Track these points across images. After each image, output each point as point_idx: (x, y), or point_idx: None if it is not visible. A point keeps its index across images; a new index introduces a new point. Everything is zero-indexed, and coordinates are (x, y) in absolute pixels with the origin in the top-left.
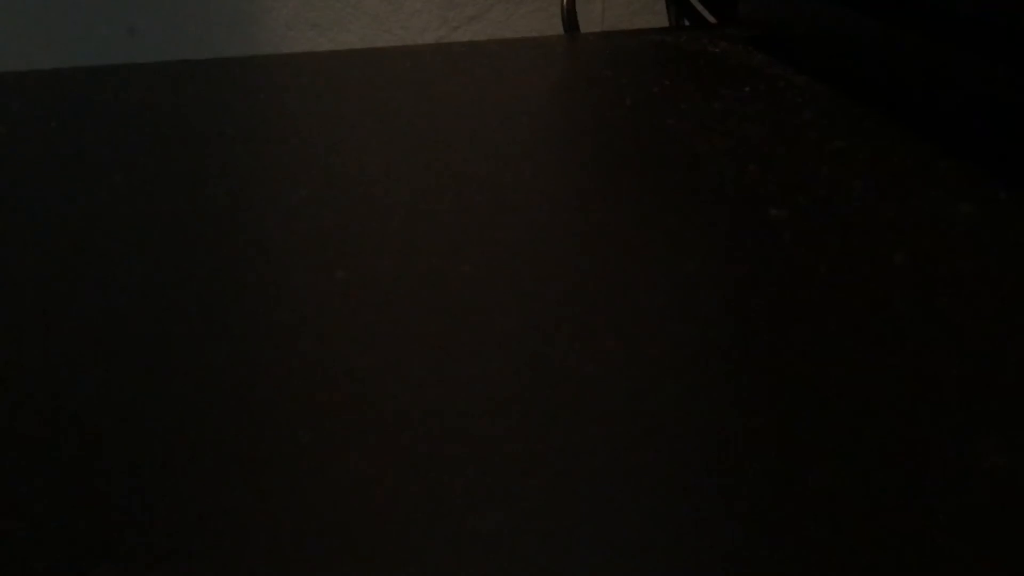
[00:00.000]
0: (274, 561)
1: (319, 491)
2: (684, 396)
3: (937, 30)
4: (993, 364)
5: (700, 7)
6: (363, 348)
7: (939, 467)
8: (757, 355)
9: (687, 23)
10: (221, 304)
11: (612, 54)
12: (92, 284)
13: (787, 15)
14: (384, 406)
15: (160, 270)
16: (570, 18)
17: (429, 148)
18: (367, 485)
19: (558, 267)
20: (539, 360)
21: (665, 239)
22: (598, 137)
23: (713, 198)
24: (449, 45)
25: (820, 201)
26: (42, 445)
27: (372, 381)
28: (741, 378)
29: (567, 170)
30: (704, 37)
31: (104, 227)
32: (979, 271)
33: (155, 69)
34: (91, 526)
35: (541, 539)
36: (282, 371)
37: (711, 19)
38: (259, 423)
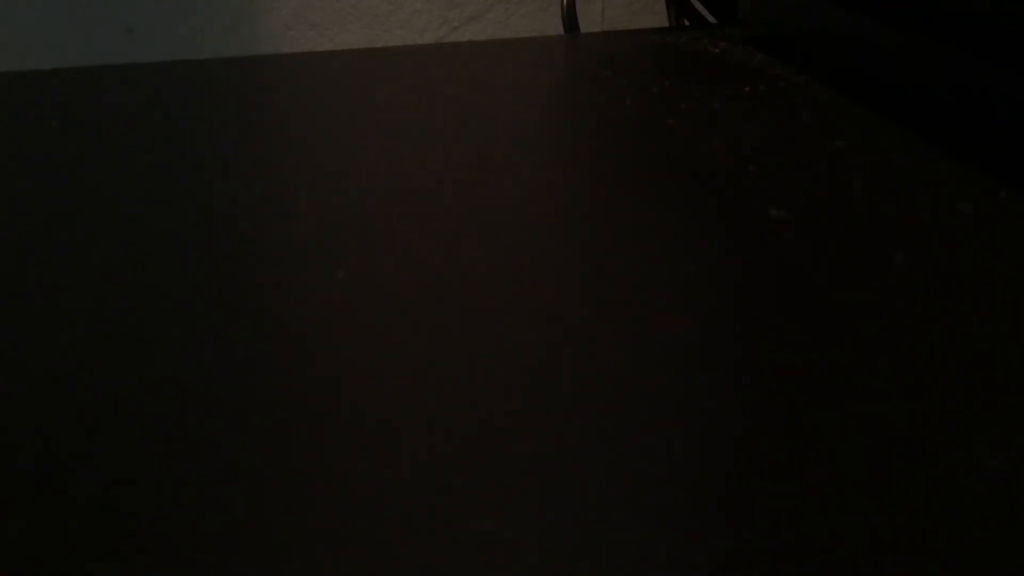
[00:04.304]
0: (273, 562)
1: (318, 492)
2: (684, 396)
3: (937, 30)
4: (993, 364)
5: (700, 7)
6: (363, 348)
7: (939, 467)
8: (757, 355)
9: (687, 23)
10: (221, 304)
11: (612, 54)
12: (91, 284)
13: (787, 15)
14: (384, 406)
15: (159, 270)
16: (570, 18)
17: (429, 148)
18: (367, 486)
19: (558, 267)
20: (539, 359)
21: (665, 239)
22: (598, 137)
23: (713, 198)
24: (449, 45)
25: (820, 201)
26: (41, 445)
27: (372, 381)
28: (741, 378)
29: (567, 170)
30: (704, 37)
31: (104, 227)
32: (979, 271)
33: (155, 69)
34: (91, 527)
35: (541, 539)
36: (281, 371)
37: (711, 19)
38: (258, 423)
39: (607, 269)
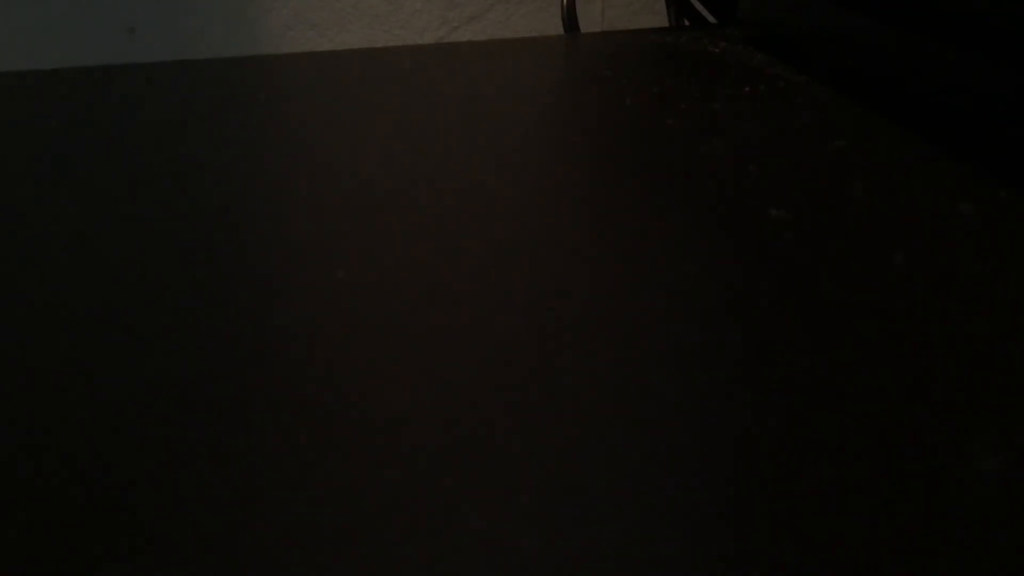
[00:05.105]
0: (273, 562)
1: (318, 492)
2: (684, 396)
3: (937, 30)
4: (993, 364)
5: (700, 7)
6: (363, 348)
7: (939, 467)
8: (757, 355)
9: (687, 23)
10: (221, 304)
11: (612, 54)
12: (91, 284)
13: (787, 15)
14: (384, 406)
15: (159, 270)
16: (570, 18)
17: (429, 148)
18: (366, 486)
19: (558, 267)
20: (539, 360)
21: (665, 239)
22: (598, 137)
23: (713, 198)
24: (449, 45)
25: (820, 201)
26: (40, 445)
27: (372, 381)
28: (741, 378)
29: (567, 170)
30: (704, 37)
31: (103, 227)
32: (979, 271)
33: (155, 69)
34: (90, 527)
35: (541, 539)
36: (281, 371)
37: (711, 19)
38: (258, 424)
39: (607, 269)
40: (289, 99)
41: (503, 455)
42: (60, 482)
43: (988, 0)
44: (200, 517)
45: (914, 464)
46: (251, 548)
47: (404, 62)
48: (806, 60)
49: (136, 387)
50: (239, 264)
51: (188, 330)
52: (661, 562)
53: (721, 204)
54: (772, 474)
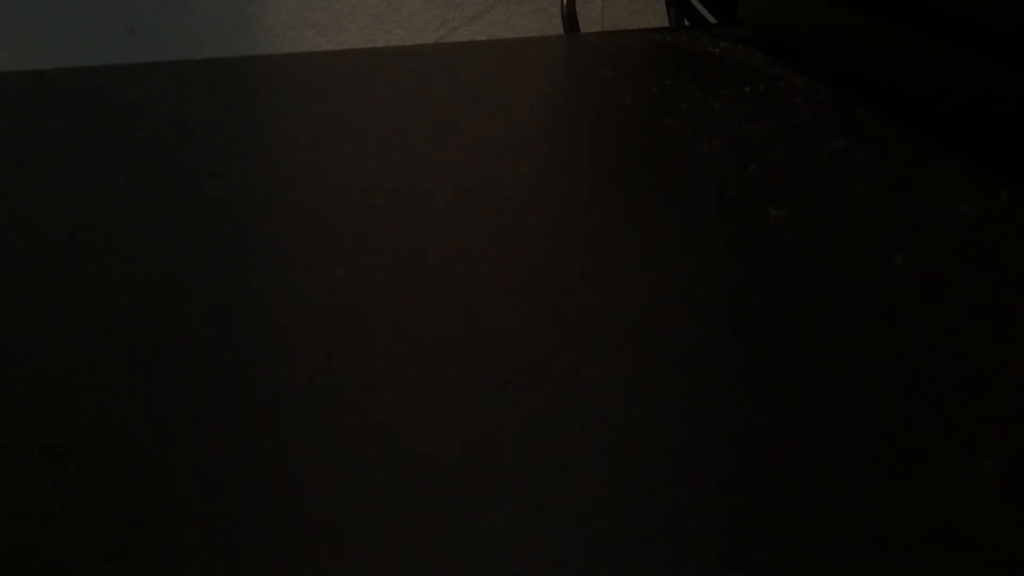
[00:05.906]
0: (273, 562)
1: (318, 492)
2: (684, 396)
3: (937, 30)
4: (993, 364)
5: (700, 7)
6: (363, 348)
7: (939, 467)
8: (757, 355)
9: (687, 23)
10: (221, 304)
11: (612, 54)
12: (91, 284)
13: (787, 15)
14: (383, 406)
15: (159, 270)
16: (570, 18)
17: (429, 148)
18: (366, 486)
19: (558, 267)
20: (539, 360)
21: (665, 239)
22: (598, 137)
23: (713, 198)
24: (449, 45)
25: (820, 201)
26: (39, 444)
27: (371, 381)
28: (741, 378)
29: (567, 170)
30: (704, 37)
31: (104, 227)
32: (979, 271)
33: (155, 69)
34: (88, 526)
35: (541, 539)
36: (281, 371)
37: (711, 19)
38: (258, 424)
39: (607, 269)
40: (289, 99)
41: (504, 455)
42: (59, 482)
43: (988, 0)
44: (198, 517)
45: (915, 464)
46: (250, 548)
47: (404, 62)
48: (806, 60)
49: (136, 387)
50: (239, 264)
51: (187, 329)
52: (662, 562)
53: (721, 204)
54: (772, 474)
